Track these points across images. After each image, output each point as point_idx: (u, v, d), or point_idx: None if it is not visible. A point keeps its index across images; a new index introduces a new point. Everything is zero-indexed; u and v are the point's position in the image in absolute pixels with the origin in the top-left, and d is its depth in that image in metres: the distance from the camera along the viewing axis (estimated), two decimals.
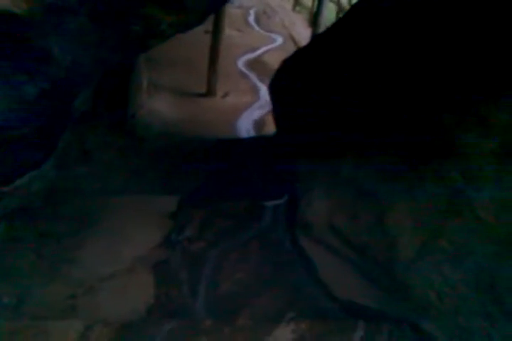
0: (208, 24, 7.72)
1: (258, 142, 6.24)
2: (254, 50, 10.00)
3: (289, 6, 14.22)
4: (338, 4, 10.74)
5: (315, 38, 7.02)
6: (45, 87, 2.68)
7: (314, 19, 9.97)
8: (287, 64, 5.90)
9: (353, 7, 5.47)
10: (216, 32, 7.78)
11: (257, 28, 11.59)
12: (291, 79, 5.58)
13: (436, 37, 3.51)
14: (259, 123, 6.99)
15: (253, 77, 8.68)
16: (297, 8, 13.71)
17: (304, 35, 10.76)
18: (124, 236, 4.11)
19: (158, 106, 7.04)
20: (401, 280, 3.15)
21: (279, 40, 10.69)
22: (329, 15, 9.77)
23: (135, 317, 3.26)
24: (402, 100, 3.83)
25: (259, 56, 9.71)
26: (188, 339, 2.96)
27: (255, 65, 9.24)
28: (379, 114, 4.04)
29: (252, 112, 7.29)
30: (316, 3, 10.26)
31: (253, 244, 4.10)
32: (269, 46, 10.20)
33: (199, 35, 9.24)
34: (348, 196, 3.87)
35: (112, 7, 2.74)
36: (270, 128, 6.41)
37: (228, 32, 10.56)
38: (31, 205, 3.77)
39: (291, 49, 8.22)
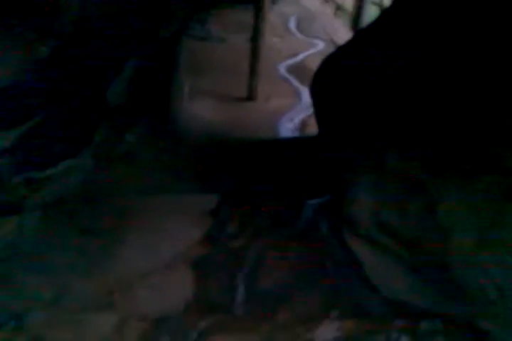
0: (251, 33, 7.81)
1: (300, 142, 6.10)
2: (295, 55, 9.91)
3: (330, 11, 14.10)
4: (380, 7, 10.51)
5: (353, 36, 6.87)
6: (56, 45, 2.52)
7: (354, 23, 9.79)
8: (327, 63, 5.78)
9: (394, 2, 5.28)
10: (256, 37, 7.74)
11: (298, 33, 11.52)
12: (332, 77, 5.45)
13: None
14: (301, 126, 6.83)
15: (294, 81, 8.56)
16: (338, 12, 13.57)
17: (345, 39, 10.58)
18: (163, 234, 4.05)
19: (200, 110, 7.03)
20: (457, 276, 2.88)
21: (321, 45, 10.56)
22: (371, 19, 9.56)
23: (172, 312, 3.15)
24: (448, 97, 3.61)
25: (301, 61, 9.61)
26: (226, 336, 2.81)
27: (297, 69, 9.13)
28: (424, 110, 3.83)
29: (293, 115, 7.15)
30: (356, 7, 10.10)
31: (295, 242, 3.92)
32: (311, 51, 10.07)
33: (241, 43, 9.30)
34: (395, 189, 3.64)
35: None
36: (312, 130, 6.25)
37: (269, 38, 10.55)
38: (70, 199, 3.76)
39: None
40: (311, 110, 6.54)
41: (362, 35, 5.89)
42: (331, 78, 5.50)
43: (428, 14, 4.16)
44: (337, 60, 5.71)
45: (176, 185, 4.88)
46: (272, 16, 11.98)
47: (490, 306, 2.65)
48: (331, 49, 10.15)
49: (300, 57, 9.83)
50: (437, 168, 3.40)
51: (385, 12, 6.15)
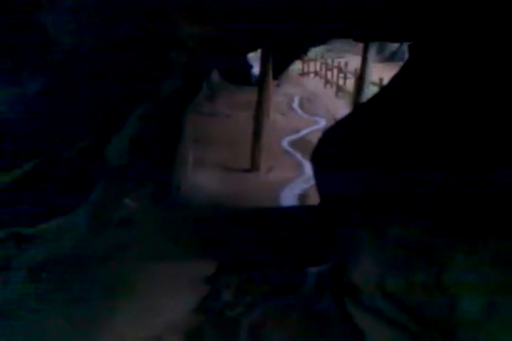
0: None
1: (301, 211, 6.04)
2: (297, 131, 10.28)
3: (332, 92, 14.87)
4: (380, 87, 11.02)
5: (352, 110, 7.15)
6: (47, 82, 2.50)
7: (355, 102, 10.24)
8: (328, 134, 5.93)
9: (392, 79, 5.56)
10: (258, 112, 8.03)
11: (300, 112, 12.06)
12: (331, 146, 5.57)
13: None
14: (302, 197, 6.83)
15: (297, 154, 8.76)
16: (340, 93, 14.26)
17: None
18: (157, 303, 3.86)
19: (203, 180, 7.10)
20: None
21: (322, 122, 10.99)
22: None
23: None
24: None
25: (303, 136, 9.92)
26: None
27: (299, 144, 9.38)
28: (425, 174, 3.85)
29: (295, 186, 7.19)
30: (357, 88, 10.62)
31: (295, 311, 3.71)
32: (313, 127, 10.46)
33: (246, 120, 9.69)
34: (399, 256, 3.51)
35: None
36: (313, 201, 6.23)
37: (273, 116, 11.01)
38: (60, 262, 3.60)
39: None
40: (312, 182, 6.59)
41: (359, 109, 6.13)
42: (331, 147, 5.62)
43: (420, 93, 4.37)
44: (336, 131, 5.88)
45: (174, 253, 4.76)
46: (277, 96, 12.62)
47: None
48: None
49: (302, 133, 10.18)
50: (442, 234, 3.32)
51: (381, 90, 6.45)
